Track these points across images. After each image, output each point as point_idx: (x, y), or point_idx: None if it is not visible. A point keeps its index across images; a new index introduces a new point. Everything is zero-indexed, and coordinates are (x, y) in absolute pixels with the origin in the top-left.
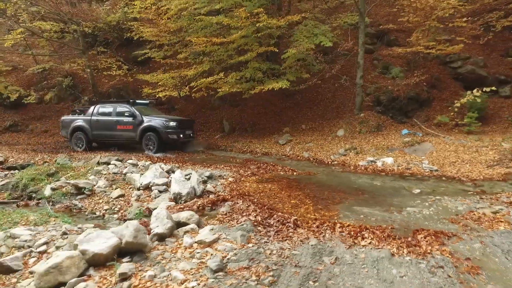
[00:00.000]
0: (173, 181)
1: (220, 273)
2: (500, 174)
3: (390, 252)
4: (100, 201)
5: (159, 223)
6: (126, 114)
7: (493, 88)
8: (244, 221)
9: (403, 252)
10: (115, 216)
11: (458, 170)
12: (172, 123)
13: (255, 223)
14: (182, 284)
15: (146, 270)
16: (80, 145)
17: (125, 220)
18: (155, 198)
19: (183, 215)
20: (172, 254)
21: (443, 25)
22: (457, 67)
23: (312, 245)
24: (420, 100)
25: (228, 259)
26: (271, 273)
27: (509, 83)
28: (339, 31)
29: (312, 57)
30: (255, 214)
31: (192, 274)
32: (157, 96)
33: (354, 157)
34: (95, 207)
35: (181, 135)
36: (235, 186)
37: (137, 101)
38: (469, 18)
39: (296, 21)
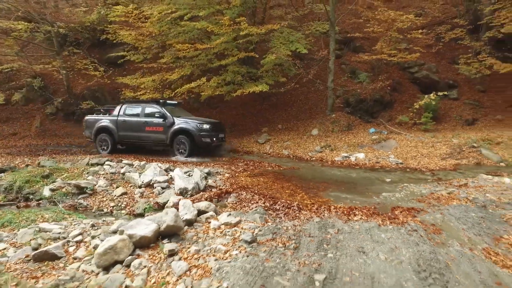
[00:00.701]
0: (176, 178)
1: (254, 244)
2: (451, 165)
3: (377, 223)
4: (104, 199)
5: (187, 211)
6: (156, 115)
7: (445, 92)
8: (255, 207)
9: (386, 223)
10: (123, 212)
11: (419, 163)
12: (206, 126)
13: (266, 208)
14: (226, 253)
15: (189, 247)
16: (105, 147)
17: (134, 215)
18: (160, 194)
19: (202, 205)
20: (205, 234)
21: (402, 35)
22: (414, 72)
23: (316, 222)
24: (384, 102)
25: (255, 234)
26: (293, 241)
27: (456, 87)
28: (311, 38)
29: (289, 62)
30: (262, 202)
31: (231, 246)
32: (141, 99)
33: (330, 154)
34: (101, 204)
35: (215, 139)
36: (233, 181)
37: (167, 101)
38: (424, 30)
39: (273, 29)
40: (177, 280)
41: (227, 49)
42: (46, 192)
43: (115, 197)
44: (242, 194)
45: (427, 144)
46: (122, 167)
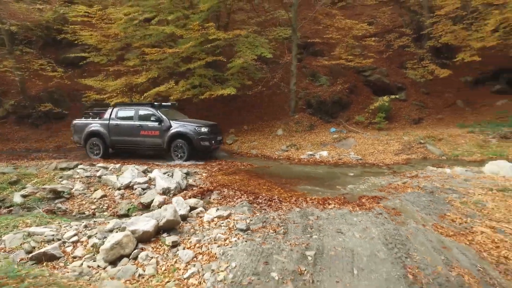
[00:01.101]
0: (158, 178)
1: (248, 231)
2: (403, 159)
3: (349, 210)
4: (83, 202)
5: (180, 207)
6: (151, 119)
7: (397, 96)
8: (240, 201)
9: (356, 209)
10: (105, 213)
11: (376, 158)
12: (204, 129)
13: (250, 202)
14: (226, 240)
15: (189, 238)
16: (96, 152)
17: (118, 216)
18: (141, 195)
19: (191, 201)
20: (201, 227)
21: (358, 42)
22: (368, 76)
23: (297, 211)
24: (342, 103)
25: (248, 223)
26: (281, 228)
27: (404, 90)
28: (274, 43)
29: (255, 66)
30: (245, 197)
31: (229, 234)
32: (110, 102)
33: (296, 152)
34: (81, 208)
35: (213, 142)
36: (211, 180)
37: (162, 104)
38: (376, 38)
39: (240, 34)
40: (186, 265)
41: (195, 52)
42: (17, 198)
43: (95, 200)
44: (223, 191)
45: (382, 142)
46: (98, 170)
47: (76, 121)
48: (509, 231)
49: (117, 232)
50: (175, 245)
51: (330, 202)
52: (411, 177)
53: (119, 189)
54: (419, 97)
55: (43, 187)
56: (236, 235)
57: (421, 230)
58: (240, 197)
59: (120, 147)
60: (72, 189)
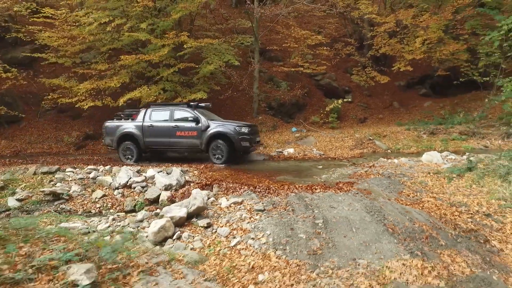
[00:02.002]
0: (158, 176)
1: (265, 211)
2: (358, 153)
3: (333, 192)
4: (85, 202)
5: (199, 197)
6: (188, 119)
7: (349, 99)
8: (243, 191)
9: (338, 191)
10: (111, 211)
11: (335, 153)
12: (245, 129)
13: (252, 191)
14: (250, 218)
15: (218, 219)
16: (130, 156)
17: (125, 212)
18: (141, 192)
19: (204, 193)
20: (222, 211)
21: (312, 50)
22: (319, 80)
23: (293, 195)
24: (299, 105)
25: (262, 205)
26: (289, 207)
27: (350, 92)
28: (237, 50)
29: (220, 71)
30: (246, 187)
31: (251, 214)
32: (83, 107)
33: (264, 150)
34: (85, 207)
35: (253, 143)
36: (205, 176)
37: (199, 104)
38: (327, 47)
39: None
40: (227, 238)
41: (166, 58)
42: (12, 202)
43: (97, 199)
44: (222, 184)
45: (338, 139)
46: (89, 173)
47: (108, 123)
48: (444, 199)
49: (148, 221)
50: (208, 226)
51: (316, 187)
52: (370, 167)
53: (117, 188)
54: (363, 99)
55: (41, 190)
56: (257, 213)
57: (388, 202)
58: (241, 188)
59: (155, 149)
60: (69, 191)
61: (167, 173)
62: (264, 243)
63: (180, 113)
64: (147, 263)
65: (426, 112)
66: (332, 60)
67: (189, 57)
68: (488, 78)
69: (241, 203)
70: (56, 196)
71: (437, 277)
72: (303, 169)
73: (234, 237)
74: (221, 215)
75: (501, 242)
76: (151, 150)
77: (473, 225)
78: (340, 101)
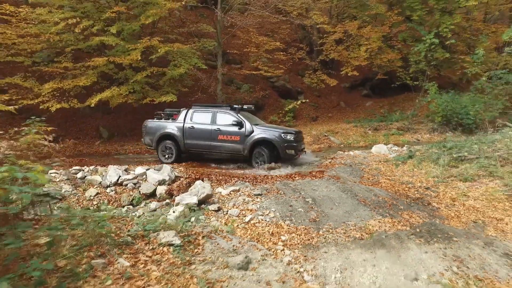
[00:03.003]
0: (150, 173)
1: (262, 195)
2: (317, 148)
3: (310, 179)
4: (81, 200)
5: (207, 186)
6: (231, 123)
7: (307, 100)
8: (236, 181)
9: (314, 178)
10: (109, 207)
11: None
12: (290, 136)
13: (243, 181)
14: (253, 200)
15: (225, 204)
16: (168, 156)
17: (123, 207)
18: (134, 188)
19: (206, 184)
20: (225, 198)
21: (269, 55)
22: (274, 82)
23: (279, 182)
24: (259, 106)
25: (259, 191)
26: (280, 191)
27: (303, 93)
28: (199, 53)
29: (188, 74)
30: (236, 178)
31: (252, 198)
32: (49, 108)
33: None
34: (82, 205)
35: (298, 150)
36: (191, 172)
37: (243, 107)
38: (283, 53)
39: (180, 47)
40: (238, 217)
41: (136, 61)
42: None
43: (92, 197)
44: (211, 177)
45: None
46: (76, 173)
47: (149, 122)
48: (395, 179)
49: (161, 209)
50: (218, 209)
51: (295, 176)
52: (332, 158)
53: (108, 186)
54: (314, 100)
55: (34, 192)
56: (257, 197)
57: (355, 184)
58: (232, 179)
59: (195, 152)
60: (61, 190)
61: (157, 170)
62: (273, 217)
63: (223, 116)
64: (202, 232)
65: (368, 111)
66: (286, 63)
67: (156, 60)
68: (417, 82)
69: (238, 190)
70: (50, 197)
71: (404, 226)
72: None
73: (245, 216)
74: (226, 201)
75: (438, 204)
76: (191, 152)
77: (418, 195)
78: (298, 102)
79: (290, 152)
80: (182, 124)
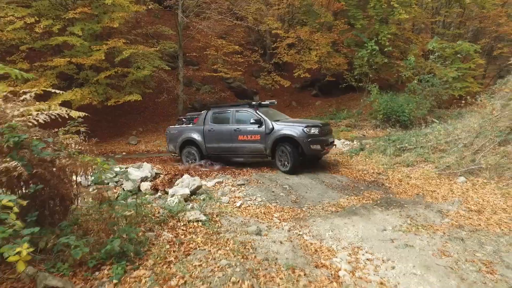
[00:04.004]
0: (131, 171)
1: (245, 184)
2: None
3: (279, 172)
4: None
5: (190, 180)
6: (250, 121)
7: (273, 101)
8: (216, 175)
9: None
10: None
11: None
12: (314, 130)
13: (223, 174)
14: (238, 189)
15: (214, 194)
16: (192, 160)
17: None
18: (116, 186)
19: (191, 178)
20: (213, 189)
21: (228, 57)
22: (230, 83)
23: (255, 174)
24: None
25: (241, 181)
26: (259, 181)
27: (258, 94)
28: (160, 54)
29: (152, 75)
30: (216, 172)
31: (236, 187)
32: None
33: None
34: None
35: (325, 145)
36: (169, 169)
37: (261, 103)
38: (240, 55)
39: (144, 49)
40: (229, 203)
41: (99, 62)
42: None
43: None
44: (191, 173)
45: None
46: None
47: (171, 128)
48: (353, 168)
49: (155, 202)
50: (210, 198)
51: (265, 169)
52: None
53: (89, 185)
54: (267, 99)
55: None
56: (240, 186)
57: (320, 173)
58: (213, 173)
59: (217, 155)
60: None
61: (136, 168)
62: (261, 201)
63: (241, 114)
64: (213, 212)
65: (318, 109)
66: (242, 65)
67: (117, 61)
68: (361, 84)
69: (222, 182)
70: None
71: (367, 200)
72: None
73: (235, 202)
74: (213, 191)
75: (389, 184)
76: (214, 156)
77: (373, 178)
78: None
79: (315, 148)
80: (202, 127)
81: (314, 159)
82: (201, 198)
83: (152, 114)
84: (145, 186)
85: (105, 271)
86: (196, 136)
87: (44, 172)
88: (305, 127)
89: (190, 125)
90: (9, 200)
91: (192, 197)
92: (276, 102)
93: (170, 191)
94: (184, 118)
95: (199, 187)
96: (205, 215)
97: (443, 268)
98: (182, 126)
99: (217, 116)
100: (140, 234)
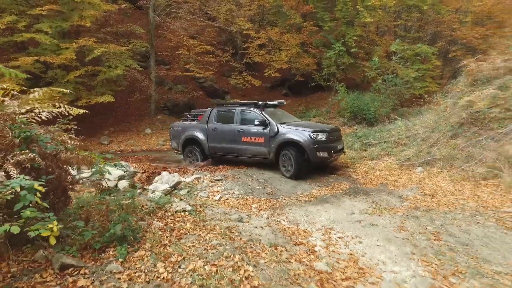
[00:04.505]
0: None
1: (222, 179)
2: None
3: (256, 168)
4: None
5: (170, 176)
6: (255, 122)
7: (277, 101)
8: (194, 171)
9: (260, 167)
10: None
11: None
12: (322, 135)
13: (201, 170)
14: (216, 184)
15: (193, 188)
16: (194, 160)
17: None
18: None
19: (169, 174)
20: (190, 184)
21: (200, 57)
22: (202, 82)
23: (231, 170)
24: (190, 105)
25: (219, 177)
26: (236, 176)
27: (229, 93)
28: (131, 53)
29: (124, 74)
30: (193, 169)
31: (214, 182)
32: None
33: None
34: None
35: (333, 152)
36: (146, 167)
37: (267, 103)
38: (212, 55)
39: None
40: (208, 197)
41: (69, 61)
42: None
43: None
44: (168, 170)
45: None
46: None
47: (174, 125)
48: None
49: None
50: (189, 193)
51: (241, 166)
52: None
53: (79, 179)
54: (239, 98)
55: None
56: (218, 181)
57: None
58: (188, 170)
59: (219, 156)
60: None
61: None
62: (239, 194)
63: (247, 114)
64: (196, 204)
65: (288, 108)
66: (214, 65)
67: (87, 60)
68: (329, 83)
69: (200, 178)
70: None
71: (337, 190)
72: None
73: (214, 196)
74: (193, 186)
75: (356, 176)
76: (216, 156)
77: (342, 171)
78: (232, 101)
79: (321, 155)
80: (205, 125)
81: (321, 166)
82: (181, 193)
83: (124, 113)
84: (123, 184)
85: (110, 252)
86: (199, 135)
87: (51, 164)
88: (312, 132)
89: (194, 123)
90: (39, 185)
91: (173, 192)
92: (285, 102)
93: (151, 187)
94: (189, 115)
95: (178, 183)
96: (190, 206)
97: (401, 240)
98: (185, 123)
99: (221, 115)
100: (133, 223)
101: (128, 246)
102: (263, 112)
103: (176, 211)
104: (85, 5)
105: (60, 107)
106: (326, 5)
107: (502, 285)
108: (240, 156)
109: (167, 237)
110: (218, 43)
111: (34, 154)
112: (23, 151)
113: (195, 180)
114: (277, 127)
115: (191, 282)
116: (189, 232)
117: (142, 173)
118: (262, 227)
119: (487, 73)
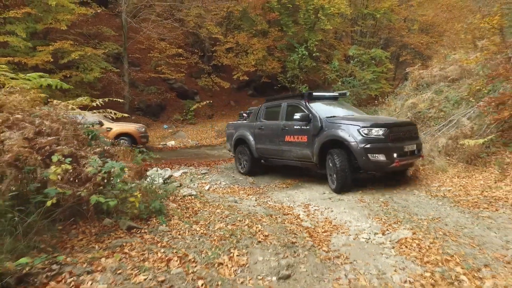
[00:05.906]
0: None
1: (207, 173)
2: (222, 140)
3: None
4: None
5: (162, 171)
6: (295, 117)
7: (208, 102)
8: (180, 167)
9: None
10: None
11: (208, 141)
12: (376, 130)
13: (189, 166)
14: (204, 176)
15: (183, 181)
16: (243, 165)
17: None
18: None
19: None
20: (181, 178)
21: (171, 60)
22: (172, 83)
23: (222, 165)
24: (162, 106)
25: (203, 171)
26: (222, 170)
27: (198, 94)
28: (104, 56)
29: (99, 77)
30: (183, 165)
31: (201, 176)
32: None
33: (150, 144)
34: None
35: (397, 156)
36: (133, 165)
37: (314, 93)
38: (182, 57)
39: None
40: (197, 188)
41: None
42: None
43: None
44: (159, 166)
45: (203, 131)
46: None
47: (229, 125)
48: None
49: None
50: (180, 185)
51: (224, 160)
52: None
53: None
54: (207, 99)
55: None
56: (204, 174)
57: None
58: (180, 166)
59: (267, 159)
60: None
61: None
62: (225, 184)
63: (291, 108)
64: (194, 193)
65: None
66: (183, 67)
67: (62, 62)
68: (293, 85)
69: (187, 172)
70: None
71: (309, 178)
72: (204, 154)
73: (203, 187)
74: (182, 180)
75: None
76: (265, 159)
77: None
78: (204, 102)
79: (375, 159)
80: (253, 123)
81: (377, 173)
82: (174, 186)
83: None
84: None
85: (154, 220)
86: (248, 134)
87: (111, 154)
88: (362, 126)
89: (245, 121)
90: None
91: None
92: (348, 93)
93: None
94: (245, 113)
95: (170, 176)
96: (194, 191)
97: (361, 207)
98: (238, 122)
99: (269, 111)
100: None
101: (164, 217)
102: (307, 104)
103: (183, 196)
104: (58, 8)
105: (105, 111)
106: (289, 12)
107: (422, 224)
108: (285, 160)
109: (185, 212)
110: (186, 45)
111: (108, 147)
112: (97, 145)
113: (183, 174)
114: (321, 122)
115: (223, 234)
116: (201, 209)
117: (129, 170)
118: (254, 206)
119: (427, 79)
